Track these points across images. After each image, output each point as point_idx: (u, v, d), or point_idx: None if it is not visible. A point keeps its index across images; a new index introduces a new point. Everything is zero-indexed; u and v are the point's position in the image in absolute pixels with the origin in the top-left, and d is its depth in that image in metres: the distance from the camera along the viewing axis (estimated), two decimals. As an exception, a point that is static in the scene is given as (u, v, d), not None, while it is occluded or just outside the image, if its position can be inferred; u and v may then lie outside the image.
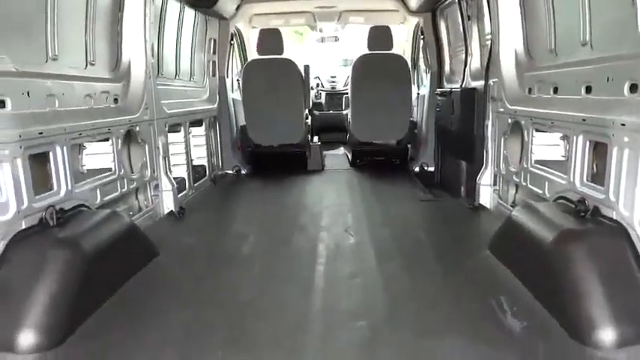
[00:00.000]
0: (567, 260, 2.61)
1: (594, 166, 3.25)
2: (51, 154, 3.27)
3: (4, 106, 2.87)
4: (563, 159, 3.72)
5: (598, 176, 3.21)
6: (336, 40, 10.38)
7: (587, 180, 3.17)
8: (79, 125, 3.56)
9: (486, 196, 4.87)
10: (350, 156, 8.00)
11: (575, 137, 3.24)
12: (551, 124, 3.60)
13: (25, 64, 3.13)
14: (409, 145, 7.70)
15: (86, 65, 4.01)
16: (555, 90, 3.69)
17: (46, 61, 3.48)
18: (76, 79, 3.71)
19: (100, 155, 3.97)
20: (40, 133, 3.10)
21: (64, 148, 3.36)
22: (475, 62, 5.56)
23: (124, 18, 4.46)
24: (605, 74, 2.96)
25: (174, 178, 5.11)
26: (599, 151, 3.19)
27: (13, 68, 2.96)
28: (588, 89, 3.19)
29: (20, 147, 2.90)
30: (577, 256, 2.60)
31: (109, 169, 4.03)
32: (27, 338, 2.48)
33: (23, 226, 2.89)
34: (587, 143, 3.14)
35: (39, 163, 3.22)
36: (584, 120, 3.12)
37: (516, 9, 4.35)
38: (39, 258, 2.73)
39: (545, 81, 3.88)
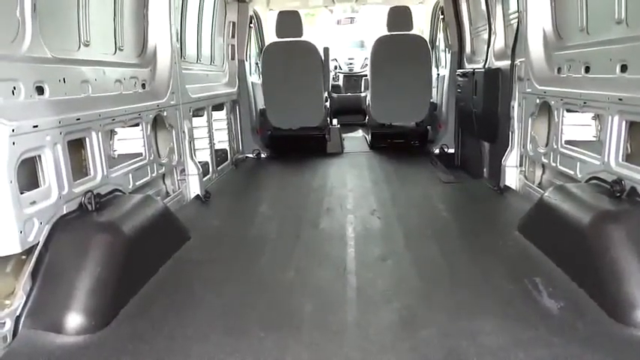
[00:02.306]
0: (606, 241, 2.61)
1: (629, 146, 3.23)
2: (87, 139, 3.33)
3: (42, 93, 2.92)
4: (595, 139, 3.70)
5: (633, 156, 3.19)
6: (351, 22, 10.32)
7: (623, 160, 3.15)
8: (112, 111, 3.61)
9: (512, 178, 4.86)
10: (369, 138, 7.99)
11: (610, 117, 3.22)
12: (583, 104, 3.57)
13: (60, 50, 3.17)
14: (429, 127, 7.67)
15: (115, 50, 4.04)
16: (587, 69, 3.65)
17: (79, 48, 3.51)
18: (107, 65, 3.75)
19: (130, 140, 4.02)
20: (78, 119, 3.15)
21: (99, 133, 3.41)
22: (499, 42, 5.50)
23: (149, 2, 4.46)
24: (643, 53, 2.93)
25: (198, 162, 5.15)
26: (634, 131, 3.18)
27: (49, 55, 3.00)
28: (623, 68, 3.15)
29: (60, 133, 2.95)
30: (616, 236, 2.60)
31: (140, 154, 4.08)
32: (75, 320, 2.56)
33: (64, 211, 2.96)
34: (624, 123, 3.12)
35: (74, 148, 3.27)
36: (620, 99, 3.09)
37: (545, -14, 4.28)
38: (83, 242, 2.79)
39: (575, 60, 3.83)
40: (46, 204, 2.80)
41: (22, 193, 2.63)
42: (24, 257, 2.66)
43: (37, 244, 2.70)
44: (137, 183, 3.94)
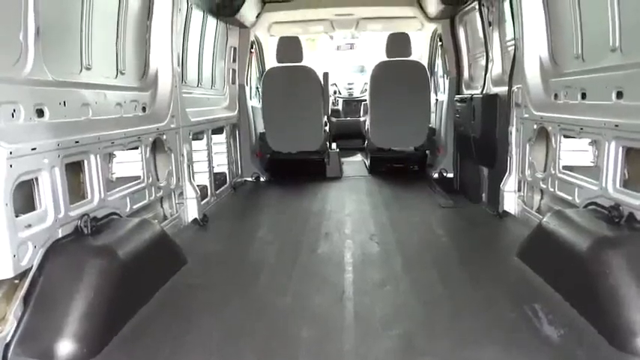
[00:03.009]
0: (605, 267, 2.59)
1: (626, 172, 3.23)
2: (85, 162, 3.33)
3: (42, 116, 2.93)
4: (592, 165, 3.71)
5: (630, 182, 3.19)
6: (351, 48, 10.47)
7: (620, 186, 3.15)
8: (112, 134, 3.62)
9: (511, 203, 4.85)
10: (368, 163, 8.01)
11: (606, 143, 3.23)
12: (580, 129, 3.59)
13: (61, 73, 3.20)
14: (427, 152, 7.69)
15: (117, 74, 4.08)
16: (583, 96, 3.68)
17: (81, 71, 3.55)
18: (108, 88, 3.78)
19: (129, 163, 4.03)
20: (77, 142, 3.16)
21: (98, 156, 3.41)
22: (497, 68, 5.56)
23: (152, 27, 4.53)
24: (638, 80, 2.95)
25: (196, 185, 5.15)
26: (631, 157, 3.18)
27: (50, 78, 3.02)
28: (619, 95, 3.18)
29: (58, 156, 2.95)
30: (615, 263, 2.58)
31: (138, 177, 4.08)
32: (66, 347, 2.51)
33: (60, 235, 2.94)
34: (620, 149, 3.12)
35: (72, 171, 3.27)
36: (616, 126, 3.11)
37: (540, 15, 4.35)
38: (77, 267, 2.76)
39: (571, 86, 3.86)
40: (41, 227, 2.78)
41: (17, 216, 2.61)
42: (17, 282, 2.63)
43: (31, 269, 2.67)
44: (135, 206, 3.93)
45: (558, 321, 2.70)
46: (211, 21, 6.45)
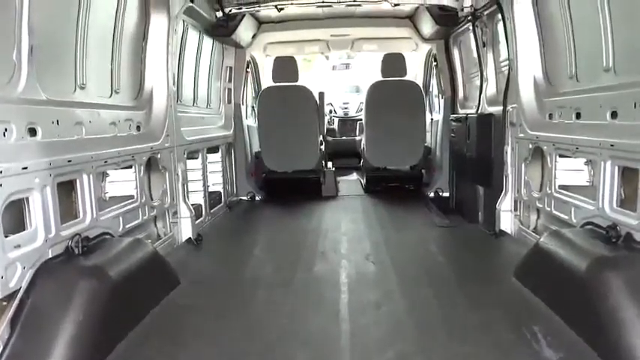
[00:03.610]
0: (604, 288, 2.56)
1: (622, 191, 3.22)
2: (78, 181, 3.29)
3: (35, 135, 2.90)
4: (588, 184, 3.70)
5: (627, 202, 3.18)
6: (347, 68, 10.55)
7: (617, 206, 3.14)
8: (105, 153, 3.59)
9: (507, 222, 4.83)
10: (364, 182, 8.00)
11: (602, 163, 3.22)
12: (575, 149, 3.58)
13: (55, 92, 3.18)
14: (423, 171, 7.69)
15: (111, 94, 4.07)
16: (578, 115, 3.69)
17: (75, 90, 3.53)
18: (102, 108, 3.76)
19: (122, 182, 3.99)
20: (69, 161, 3.13)
21: (91, 175, 3.38)
22: (491, 88, 5.59)
23: (147, 47, 4.54)
24: (632, 100, 2.96)
25: (191, 204, 5.11)
26: (627, 177, 3.17)
27: (44, 97, 3.00)
28: (614, 114, 3.18)
29: (50, 175, 2.91)
30: (614, 283, 2.55)
31: (131, 197, 4.04)
32: (55, 370, 2.45)
33: (50, 255, 2.88)
34: (616, 169, 3.12)
35: (64, 190, 3.23)
36: (612, 145, 3.11)
37: (534, 36, 4.39)
38: (66, 288, 2.70)
39: (566, 106, 3.88)
40: (30, 248, 2.73)
41: (6, 237, 2.56)
42: (4, 303, 2.57)
43: (19, 290, 2.61)
44: (127, 226, 3.88)
45: (558, 343, 2.65)
46: (207, 41, 6.48)
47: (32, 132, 2.88)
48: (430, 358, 2.65)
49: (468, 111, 6.29)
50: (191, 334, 2.98)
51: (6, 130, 2.65)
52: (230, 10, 6.10)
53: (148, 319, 3.12)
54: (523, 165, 4.50)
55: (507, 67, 4.82)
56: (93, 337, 2.60)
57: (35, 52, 2.87)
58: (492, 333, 2.88)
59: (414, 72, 8.67)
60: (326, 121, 9.81)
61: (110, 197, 3.93)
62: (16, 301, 2.59)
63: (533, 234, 4.30)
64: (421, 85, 7.88)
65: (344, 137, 10.44)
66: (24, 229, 2.78)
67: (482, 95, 5.73)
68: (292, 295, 3.61)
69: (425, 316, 3.20)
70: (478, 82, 5.90)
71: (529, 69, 4.42)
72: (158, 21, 4.58)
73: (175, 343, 2.87)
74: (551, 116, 4.15)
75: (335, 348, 2.79)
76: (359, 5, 6.35)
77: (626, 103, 3.04)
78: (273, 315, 3.24)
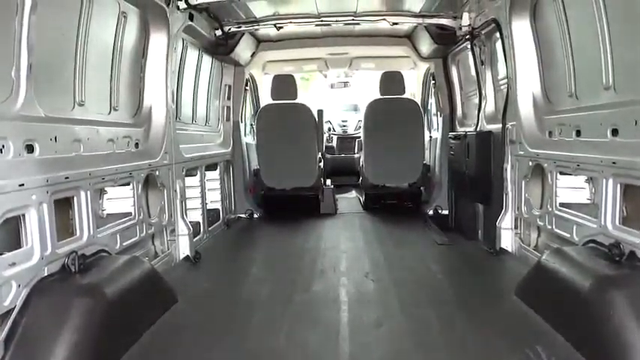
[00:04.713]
0: (609, 308, 2.52)
1: (624, 208, 3.19)
2: (75, 198, 3.26)
3: (32, 151, 2.87)
4: (589, 202, 3.68)
5: (629, 219, 3.15)
6: (345, 86, 10.60)
7: (620, 223, 3.11)
8: (103, 170, 3.56)
9: (507, 240, 4.79)
10: (362, 199, 7.97)
11: (604, 180, 3.20)
12: (576, 166, 3.57)
13: (53, 109, 3.17)
14: (422, 189, 7.68)
15: (110, 111, 4.06)
16: (578, 133, 3.68)
17: (73, 107, 3.52)
18: (101, 125, 3.74)
19: (120, 200, 3.96)
20: (67, 178, 3.10)
21: (88, 192, 3.35)
22: (490, 106, 5.61)
23: (147, 65, 4.55)
24: (633, 117, 2.95)
25: (189, 222, 5.07)
26: (630, 194, 3.15)
27: (42, 114, 2.98)
28: (615, 132, 3.18)
29: (47, 192, 2.88)
30: (619, 303, 2.51)
31: (129, 214, 4.00)
32: (49, 391, 2.39)
33: (46, 273, 2.84)
34: (618, 186, 3.10)
35: (61, 207, 3.20)
36: (614, 163, 3.09)
37: (532, 54, 4.41)
38: (61, 308, 2.66)
39: (566, 124, 3.88)
40: (26, 266, 2.69)
41: (1, 254, 2.52)
42: (-2, 323, 2.52)
43: (14, 309, 2.56)
44: (125, 243, 3.84)
45: (562, 364, 2.61)
46: (206, 59, 6.51)
47: (30, 148, 2.86)
48: (432, 379, 2.59)
49: (467, 129, 6.29)
50: (187, 354, 2.92)
51: (3, 146, 2.63)
52: (229, 29, 6.15)
53: (144, 338, 3.06)
54: (523, 182, 4.48)
55: (506, 85, 4.83)
56: (88, 357, 2.55)
57: (34, 70, 2.87)
58: (494, 352, 2.84)
59: (413, 90, 8.73)
60: (324, 139, 9.83)
61: (108, 214, 3.89)
62: (11, 321, 2.54)
63: (534, 252, 4.26)
64: (419, 103, 7.92)
65: (342, 155, 10.45)
66: (20, 247, 2.74)
67: (481, 113, 5.74)
68: (291, 314, 3.56)
69: (426, 335, 3.15)
70: (477, 100, 5.92)
71: (528, 87, 4.44)
72: (158, 39, 4.60)
73: (173, 362, 2.81)
74: (551, 134, 4.15)
75: (335, 369, 2.74)
76: (357, 24, 6.40)
77: (627, 121, 3.04)
78: (271, 335, 3.18)
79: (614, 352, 2.42)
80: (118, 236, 3.74)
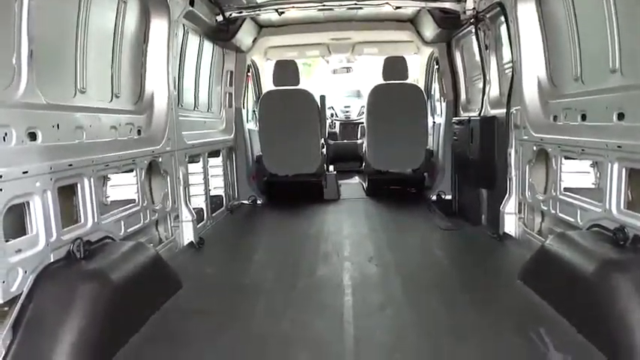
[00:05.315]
0: (614, 291, 2.52)
1: (629, 193, 3.18)
2: (79, 185, 3.26)
3: (35, 139, 2.87)
4: (594, 186, 3.67)
5: (634, 204, 3.14)
6: (348, 72, 10.52)
7: (625, 207, 3.10)
8: (106, 157, 3.56)
9: (511, 225, 4.79)
10: (366, 185, 7.96)
11: (609, 164, 3.19)
12: (581, 151, 3.55)
13: (55, 97, 3.16)
14: (425, 174, 7.66)
15: (112, 98, 4.05)
16: (583, 117, 3.65)
17: (75, 95, 3.50)
18: (102, 112, 3.73)
19: (123, 186, 3.97)
20: (70, 165, 3.10)
21: (92, 179, 3.35)
22: (494, 90, 5.56)
23: (148, 51, 4.52)
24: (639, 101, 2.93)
25: (192, 208, 5.08)
26: (635, 178, 3.14)
27: (44, 101, 2.98)
28: (620, 116, 3.15)
29: (51, 179, 2.89)
30: (624, 286, 2.51)
31: (133, 201, 4.01)
32: (57, 375, 2.41)
33: (51, 259, 2.85)
34: (624, 170, 3.08)
35: (65, 194, 3.20)
36: (619, 147, 3.07)
37: (538, 37, 4.36)
38: (68, 292, 2.68)
39: (571, 108, 3.84)
40: (31, 252, 2.71)
41: (7, 241, 2.53)
42: (5, 308, 2.54)
43: (21, 295, 2.58)
44: (129, 230, 3.85)
45: (566, 347, 2.62)
46: (208, 45, 6.47)
47: (32, 136, 2.86)
48: (437, 363, 2.61)
49: (471, 114, 6.25)
50: (193, 338, 2.94)
51: (6, 134, 2.62)
52: (230, 14, 6.09)
53: (149, 323, 3.09)
54: (527, 167, 4.46)
55: (511, 70, 4.79)
56: (95, 341, 2.57)
57: (35, 57, 2.85)
58: (498, 336, 2.85)
59: (416, 75, 8.66)
60: (327, 125, 9.79)
61: (112, 201, 3.91)
62: (18, 306, 2.56)
63: (538, 237, 4.27)
64: (423, 89, 7.86)
65: (345, 141, 10.41)
66: (25, 234, 2.75)
67: (485, 98, 5.70)
68: (295, 298, 3.58)
69: (430, 319, 3.17)
70: (481, 85, 5.87)
71: (533, 71, 4.39)
72: (158, 25, 4.56)
73: (177, 347, 2.84)
74: (555, 118, 4.12)
75: (339, 352, 2.75)
76: (360, 8, 6.33)
77: (633, 105, 3.01)
78: (276, 319, 3.20)
79: (617, 334, 2.43)
80: (122, 223, 3.75)
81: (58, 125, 3.10)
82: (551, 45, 4.26)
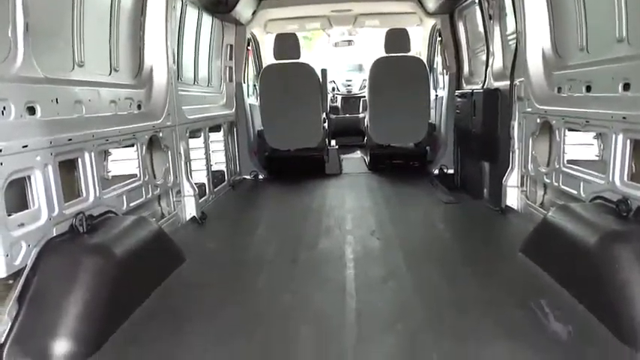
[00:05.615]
0: (615, 263, 2.52)
1: (633, 164, 3.16)
2: (79, 160, 3.25)
3: (34, 113, 2.85)
4: (597, 158, 3.64)
5: (638, 175, 3.12)
6: (349, 45, 10.38)
7: (628, 179, 3.08)
8: (106, 131, 3.54)
9: (513, 198, 4.78)
10: (368, 159, 7.94)
11: (613, 136, 3.15)
12: (585, 122, 3.51)
13: (53, 70, 3.12)
14: (427, 148, 7.63)
15: (110, 72, 4.00)
16: (588, 88, 3.60)
17: (73, 68, 3.46)
18: (101, 86, 3.69)
19: (124, 161, 3.96)
20: (70, 140, 3.08)
21: (92, 154, 3.34)
22: (497, 62, 5.49)
23: (146, 23, 4.44)
24: (646, 70, 2.88)
25: (194, 183, 5.08)
26: (639, 150, 3.12)
27: (42, 75, 2.94)
28: (626, 86, 3.10)
29: (51, 154, 2.87)
30: (626, 257, 2.51)
31: (134, 176, 4.01)
32: (62, 347, 2.45)
33: (54, 234, 2.86)
34: (628, 142, 3.05)
35: (67, 169, 3.20)
36: (624, 118, 3.04)
37: (542, 7, 4.27)
38: (72, 265, 2.70)
39: (576, 79, 3.79)
40: (34, 226, 2.71)
41: (9, 215, 2.54)
42: (10, 282, 2.56)
43: (25, 268, 2.60)
44: (131, 204, 3.85)
45: (567, 318, 2.63)
46: (207, 18, 6.37)
47: (31, 110, 2.83)
48: (437, 333, 2.63)
49: (474, 87, 6.19)
50: (195, 312, 2.97)
51: (4, 108, 2.60)
52: (229, -15, 5.98)
53: (153, 296, 3.11)
54: (530, 140, 4.43)
55: (515, 41, 4.71)
56: (99, 313, 2.60)
57: (31, 30, 2.80)
58: (500, 308, 2.86)
59: (418, 48, 8.54)
60: (329, 99, 9.71)
61: (113, 176, 3.90)
62: (23, 279, 2.58)
63: (540, 209, 4.26)
64: (425, 61, 7.75)
65: (347, 115, 10.34)
66: (27, 208, 2.76)
67: (489, 70, 5.63)
68: (297, 271, 3.60)
69: (432, 292, 3.19)
70: (484, 57, 5.79)
71: (537, 41, 4.31)
72: (156, -4, 4.48)
73: (181, 319, 2.87)
74: (560, 90, 4.06)
75: (341, 324, 2.78)
76: (362, -21, 6.21)
77: (639, 75, 2.96)
78: (278, 292, 3.22)
79: (618, 305, 2.44)
80: (124, 197, 3.76)
81: (57, 99, 3.07)
82: (557, 14, 4.17)
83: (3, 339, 2.43)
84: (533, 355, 2.36)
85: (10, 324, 2.48)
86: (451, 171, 7.06)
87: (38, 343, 2.44)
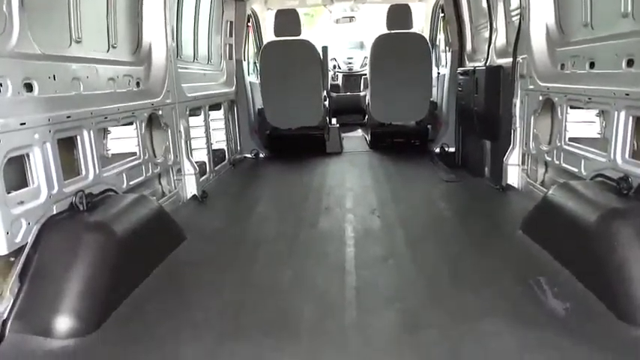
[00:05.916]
0: (614, 240, 2.52)
1: (635, 142, 3.14)
2: (78, 138, 3.24)
3: (31, 90, 2.83)
4: (599, 136, 3.62)
5: (639, 153, 3.11)
6: (351, 21, 10.24)
7: (630, 157, 3.06)
8: (105, 109, 3.52)
9: (514, 176, 4.77)
10: (369, 138, 7.91)
11: (616, 113, 3.12)
12: (588, 100, 3.48)
13: (50, 47, 3.08)
14: (429, 126, 7.59)
15: (108, 48, 3.96)
16: (592, 65, 3.56)
17: (70, 45, 3.42)
18: (100, 63, 3.66)
19: (124, 139, 3.94)
20: (68, 117, 3.06)
21: (91, 132, 3.32)
22: (500, 39, 5.41)
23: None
24: (650, 46, 2.84)
25: (195, 162, 5.07)
26: (641, 127, 3.09)
27: (38, 51, 2.91)
28: (630, 63, 3.06)
29: (50, 131, 2.86)
30: (625, 235, 2.51)
31: (134, 154, 4.00)
32: (63, 323, 2.47)
33: (54, 211, 2.87)
34: (630, 119, 3.03)
35: (66, 147, 3.19)
36: (627, 95, 3.00)
37: (547, -18, 4.19)
38: (72, 243, 2.71)
39: (579, 56, 3.74)
40: (34, 204, 2.72)
41: (9, 193, 2.54)
42: (12, 259, 2.58)
43: (26, 245, 2.61)
44: (131, 183, 3.85)
45: (565, 295, 2.65)
46: (206, -6, 6.28)
47: (28, 87, 2.82)
48: (437, 310, 2.65)
49: (476, 64, 6.11)
50: (197, 288, 3.00)
51: (1, 85, 2.58)
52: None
53: (155, 273, 3.13)
54: (532, 118, 4.40)
55: (518, 17, 4.63)
56: (101, 290, 2.62)
57: (26, 5, 2.76)
58: (499, 285, 2.88)
59: (421, 25, 8.41)
60: (330, 77, 9.62)
61: (113, 154, 3.89)
62: (24, 256, 2.60)
63: (541, 187, 4.25)
64: (428, 39, 7.65)
65: (348, 93, 10.27)
66: (26, 186, 2.76)
67: (491, 47, 5.56)
68: (297, 249, 3.61)
69: (432, 269, 3.20)
70: (487, 34, 5.71)
71: (541, 17, 4.24)
72: (154, -29, 4.41)
73: (182, 297, 2.89)
74: (563, 66, 4.01)
75: (341, 301, 2.80)
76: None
77: (643, 50, 2.93)
78: (279, 270, 3.24)
79: (617, 282, 2.45)
80: (124, 175, 3.75)
81: (54, 76, 3.05)
82: (561, -10, 4.10)
83: (5, 315, 2.46)
84: (530, 331, 2.38)
85: (12, 300, 2.51)
86: (452, 149, 7.04)
87: (40, 320, 2.47)
